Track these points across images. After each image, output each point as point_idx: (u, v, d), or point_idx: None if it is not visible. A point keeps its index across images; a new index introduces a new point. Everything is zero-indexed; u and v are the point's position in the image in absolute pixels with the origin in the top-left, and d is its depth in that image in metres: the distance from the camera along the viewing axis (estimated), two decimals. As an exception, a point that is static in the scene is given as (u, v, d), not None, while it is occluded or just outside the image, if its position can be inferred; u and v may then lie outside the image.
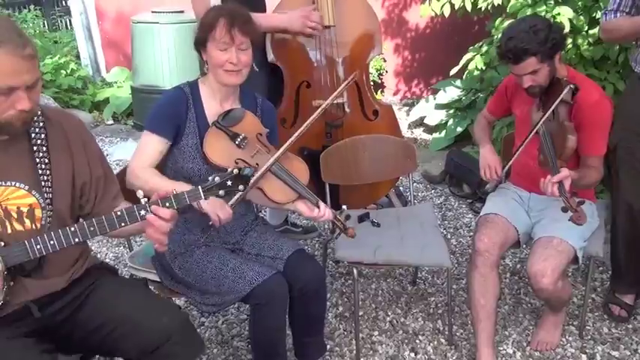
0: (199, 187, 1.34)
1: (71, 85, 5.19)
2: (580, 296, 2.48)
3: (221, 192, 1.35)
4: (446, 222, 3.24)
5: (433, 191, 3.66)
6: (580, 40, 2.98)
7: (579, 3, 2.99)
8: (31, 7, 7.08)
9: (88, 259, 1.55)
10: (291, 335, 1.96)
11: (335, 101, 2.46)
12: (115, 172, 1.68)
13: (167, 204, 1.33)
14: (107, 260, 2.83)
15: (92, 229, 1.33)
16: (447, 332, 2.27)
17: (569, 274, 2.65)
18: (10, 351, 1.31)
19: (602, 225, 2.15)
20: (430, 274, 2.71)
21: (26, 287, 1.38)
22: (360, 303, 2.48)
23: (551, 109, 1.89)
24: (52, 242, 1.32)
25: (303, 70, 2.52)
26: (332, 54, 2.50)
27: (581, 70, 2.93)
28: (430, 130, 4.59)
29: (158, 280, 1.89)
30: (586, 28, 2.99)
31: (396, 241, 2.18)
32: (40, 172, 1.38)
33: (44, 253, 1.32)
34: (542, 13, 2.89)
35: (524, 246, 2.18)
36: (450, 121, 4.31)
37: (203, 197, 1.34)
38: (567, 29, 2.82)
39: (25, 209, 1.37)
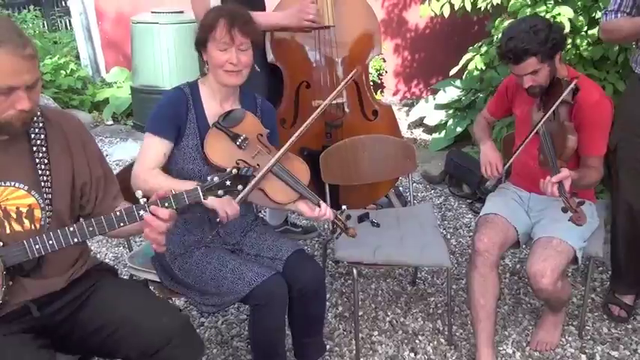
0: (198, 187, 1.34)
1: (71, 85, 5.20)
2: (580, 296, 2.48)
3: (220, 192, 1.35)
4: (445, 222, 3.24)
5: (433, 191, 3.66)
6: (579, 41, 2.98)
7: (579, 3, 2.99)
8: (31, 7, 7.09)
9: (87, 260, 1.55)
10: (290, 335, 1.96)
11: (335, 101, 2.47)
12: (115, 172, 1.68)
13: (166, 204, 1.33)
14: (107, 260, 2.83)
15: (91, 229, 1.33)
16: (446, 332, 2.27)
17: (569, 274, 2.65)
18: (8, 346, 1.31)
19: (601, 225, 2.15)
20: (430, 274, 2.71)
21: (25, 287, 1.38)
22: (360, 303, 2.48)
23: (551, 110, 1.89)
24: (50, 242, 1.32)
25: (302, 71, 2.52)
26: (331, 54, 2.50)
27: (581, 70, 2.93)
28: (430, 130, 4.59)
29: (158, 280, 1.89)
30: (585, 28, 2.99)
31: (395, 242, 2.18)
32: (39, 172, 1.38)
33: (43, 253, 1.33)
34: (542, 13, 2.89)
35: (523, 246, 2.18)
36: (450, 122, 4.31)
37: (202, 197, 1.34)
38: (567, 29, 2.82)
39: (24, 209, 1.37)
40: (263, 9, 2.50)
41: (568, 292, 2.12)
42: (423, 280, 2.67)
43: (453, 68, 3.76)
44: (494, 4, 3.37)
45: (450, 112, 4.39)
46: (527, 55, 1.86)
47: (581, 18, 2.95)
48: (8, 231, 1.36)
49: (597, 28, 2.92)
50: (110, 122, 5.12)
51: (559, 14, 2.88)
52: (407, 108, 5.20)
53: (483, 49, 3.53)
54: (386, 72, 5.48)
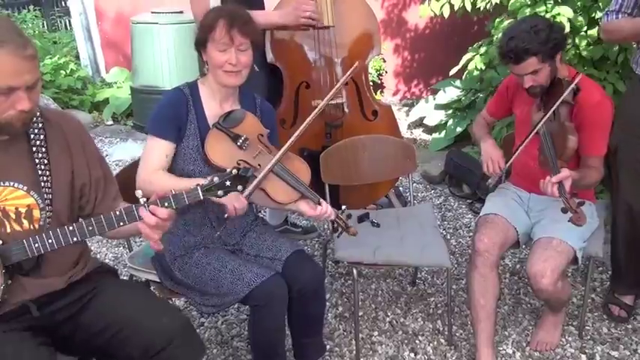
0: (198, 186, 1.34)
1: (71, 85, 5.19)
2: (580, 296, 2.48)
3: (220, 192, 1.35)
4: (445, 222, 3.24)
5: (433, 191, 3.66)
6: (578, 40, 2.98)
7: (578, 3, 2.99)
8: (31, 7, 7.08)
9: (88, 263, 1.55)
10: (290, 336, 1.96)
11: (334, 101, 2.48)
12: (115, 172, 1.68)
13: (166, 204, 1.33)
14: (107, 261, 2.83)
15: (91, 228, 1.33)
16: (446, 332, 2.27)
17: (569, 274, 2.65)
18: (7, 343, 1.31)
19: (601, 225, 2.15)
20: (430, 274, 2.71)
21: (24, 286, 1.38)
22: (360, 303, 2.48)
23: (552, 110, 1.89)
24: (50, 241, 1.32)
25: (302, 71, 2.52)
26: (331, 54, 2.49)
27: (581, 70, 2.93)
28: (430, 130, 4.59)
29: (158, 280, 1.89)
30: (585, 28, 2.99)
31: (395, 242, 2.18)
32: (39, 172, 1.38)
33: (42, 251, 1.33)
34: (542, 13, 2.89)
35: (523, 246, 2.18)
36: (450, 122, 4.31)
37: (202, 197, 1.34)
38: (567, 29, 2.82)
39: (23, 210, 1.37)
40: (262, 9, 2.50)
41: (568, 292, 2.12)
42: (423, 281, 2.67)
43: (452, 68, 3.76)
44: (494, 3, 3.37)
45: (450, 112, 4.39)
46: (528, 55, 1.85)
47: (580, 18, 2.95)
48: (9, 230, 1.36)
49: (597, 28, 2.93)
50: (110, 122, 5.12)
51: (558, 14, 2.89)
52: (407, 108, 5.20)
53: (483, 49, 3.53)
54: (386, 72, 5.48)
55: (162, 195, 1.33)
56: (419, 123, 4.73)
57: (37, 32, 6.40)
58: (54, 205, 1.40)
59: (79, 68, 5.58)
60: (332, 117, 2.53)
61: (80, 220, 1.38)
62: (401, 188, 3.33)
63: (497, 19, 3.41)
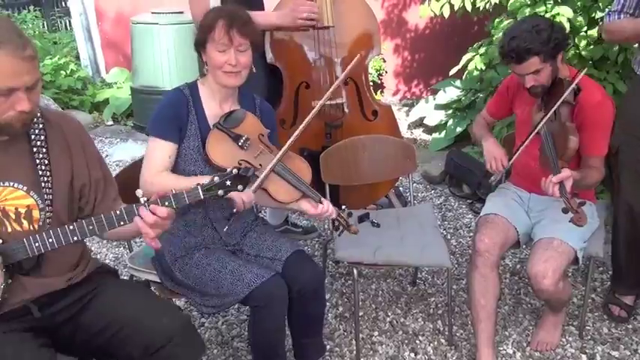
0: (198, 186, 1.34)
1: (71, 85, 5.19)
2: (580, 296, 2.48)
3: (220, 192, 1.35)
4: (446, 222, 3.23)
5: (433, 192, 3.66)
6: (577, 40, 2.97)
7: (578, 3, 2.99)
8: (31, 7, 7.09)
9: (89, 264, 1.55)
10: (290, 336, 1.96)
11: (334, 101, 2.48)
12: (115, 172, 1.68)
13: (166, 203, 1.33)
14: (107, 261, 2.83)
15: (91, 227, 1.33)
16: (447, 332, 2.27)
17: (569, 274, 2.65)
18: (7, 344, 1.31)
19: (601, 225, 2.15)
20: (430, 274, 2.71)
21: (24, 286, 1.38)
22: (360, 303, 2.48)
23: (553, 110, 1.89)
24: (50, 240, 1.32)
25: (302, 71, 2.52)
26: (331, 54, 2.49)
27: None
28: (430, 130, 4.59)
29: (158, 281, 1.89)
30: (585, 28, 2.99)
31: (395, 242, 2.18)
32: (39, 173, 1.38)
33: (43, 251, 1.33)
34: (542, 13, 2.89)
35: (523, 246, 2.18)
36: (450, 122, 4.31)
37: (202, 197, 1.34)
38: (567, 29, 2.82)
39: (22, 210, 1.37)
40: (261, 9, 2.50)
41: (568, 292, 2.12)
42: (423, 281, 2.67)
43: (452, 68, 3.76)
44: (493, 3, 3.37)
45: (450, 112, 4.39)
46: (530, 55, 1.85)
47: (580, 18, 2.95)
48: (9, 230, 1.36)
49: (597, 28, 2.93)
50: (110, 123, 5.12)
51: (558, 14, 2.89)
52: (407, 108, 5.20)
53: (483, 50, 3.53)
54: (386, 72, 5.48)
55: (162, 194, 1.33)
56: (419, 123, 4.73)
57: (37, 33, 6.41)
58: (54, 205, 1.40)
59: (79, 68, 5.59)
60: (332, 117, 2.53)
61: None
62: (401, 188, 3.33)
63: (497, 19, 3.41)
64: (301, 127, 1.85)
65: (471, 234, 2.57)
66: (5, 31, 1.22)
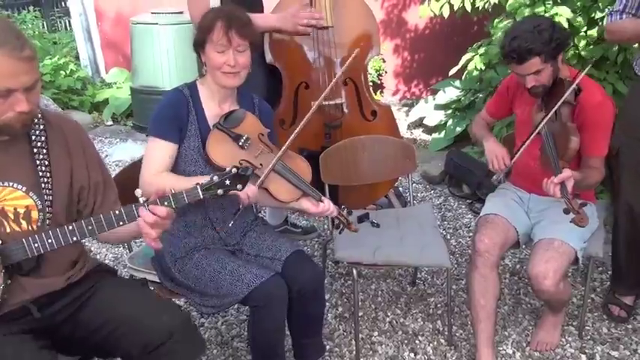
0: (197, 186, 1.34)
1: (70, 85, 5.19)
2: (579, 296, 2.48)
3: (219, 191, 1.35)
4: (445, 222, 3.23)
5: (432, 192, 3.66)
6: (576, 40, 2.97)
7: (578, 3, 2.98)
8: (31, 8, 7.09)
9: (87, 263, 1.54)
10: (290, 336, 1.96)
11: (333, 102, 2.48)
12: (115, 172, 1.68)
13: (165, 203, 1.33)
14: (106, 261, 2.83)
15: (90, 227, 1.33)
16: (446, 333, 2.27)
17: (569, 274, 2.65)
18: (8, 345, 1.31)
19: (601, 225, 2.15)
20: (430, 274, 2.71)
21: (24, 286, 1.38)
22: (360, 304, 2.48)
23: (553, 110, 1.88)
24: (50, 241, 1.32)
25: (301, 71, 2.52)
26: (330, 55, 2.49)
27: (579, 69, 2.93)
28: (429, 130, 4.59)
29: (158, 281, 1.89)
30: (585, 28, 2.99)
31: (395, 242, 2.18)
32: (40, 174, 1.38)
33: (42, 251, 1.32)
34: (541, 14, 2.89)
35: (523, 246, 2.18)
36: (450, 122, 4.31)
37: (201, 196, 1.34)
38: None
39: (21, 210, 1.37)
40: (261, 10, 2.50)
41: (568, 292, 2.12)
42: (422, 281, 2.67)
43: (452, 68, 3.76)
44: (492, 3, 3.37)
45: (450, 112, 4.39)
46: (531, 55, 1.85)
47: (579, 18, 2.95)
48: (8, 230, 1.36)
49: (597, 28, 2.93)
50: (110, 123, 5.12)
51: (556, 14, 2.88)
52: (407, 108, 5.20)
53: (482, 50, 3.53)
54: (385, 72, 5.48)
55: (161, 194, 1.33)
56: (419, 123, 4.73)
57: (37, 33, 6.40)
58: (54, 207, 1.40)
59: (78, 69, 5.58)
60: (331, 117, 2.53)
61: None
62: (401, 188, 3.33)
63: (497, 20, 3.41)
64: (302, 123, 1.85)
65: (471, 234, 2.58)
66: (2, 32, 1.21)
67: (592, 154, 1.96)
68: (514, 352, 2.18)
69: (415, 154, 2.50)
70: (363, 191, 2.63)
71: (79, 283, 1.49)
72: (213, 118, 1.80)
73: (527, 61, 1.86)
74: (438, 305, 2.48)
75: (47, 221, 1.39)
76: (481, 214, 2.13)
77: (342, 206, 1.89)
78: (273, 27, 2.34)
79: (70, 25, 6.70)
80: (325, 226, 3.00)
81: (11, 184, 1.36)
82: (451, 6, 3.62)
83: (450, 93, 4.40)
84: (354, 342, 2.19)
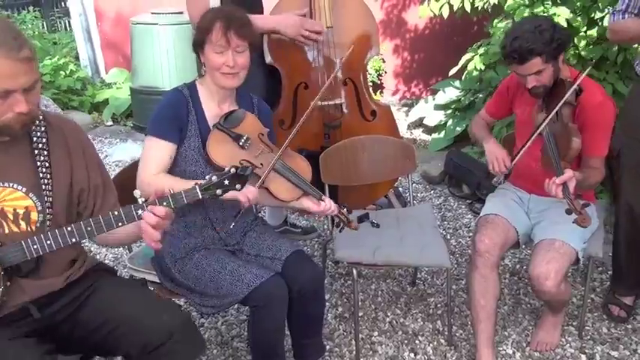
0: (196, 185, 1.34)
1: (70, 86, 5.19)
2: (579, 296, 2.48)
3: (218, 191, 1.36)
4: (445, 222, 3.23)
5: (432, 192, 3.66)
6: (576, 40, 2.97)
7: (577, 3, 2.98)
8: (30, 8, 7.09)
9: (86, 262, 1.54)
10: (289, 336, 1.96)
11: (333, 102, 2.48)
12: (115, 173, 1.67)
13: (164, 203, 1.32)
14: (106, 261, 2.82)
15: (89, 229, 1.33)
16: (446, 333, 2.27)
17: (569, 274, 2.65)
18: (11, 351, 1.31)
19: (601, 225, 2.15)
20: (430, 274, 2.71)
21: (23, 288, 1.38)
22: (360, 304, 2.48)
23: (555, 110, 1.88)
24: (49, 242, 1.32)
25: (300, 72, 2.51)
26: (329, 55, 2.49)
27: (579, 69, 2.93)
28: (429, 130, 4.59)
29: (158, 281, 1.89)
30: (584, 28, 2.99)
31: (395, 242, 2.18)
32: (40, 175, 1.38)
33: (41, 253, 1.32)
34: (540, 14, 2.89)
35: (523, 246, 2.18)
36: (449, 122, 4.31)
37: (200, 196, 1.34)
38: (565, 30, 2.82)
39: (21, 211, 1.37)
40: (261, 10, 2.50)
41: (569, 292, 2.11)
42: (422, 281, 2.67)
43: (452, 69, 3.76)
44: (492, 3, 3.37)
45: (450, 112, 4.39)
46: (532, 55, 1.84)
47: (579, 19, 2.95)
48: (7, 231, 1.36)
49: (596, 28, 2.93)
50: (110, 123, 5.12)
51: (555, 14, 2.88)
52: (406, 108, 5.20)
53: (482, 50, 3.53)
54: (385, 72, 5.48)
55: (160, 194, 1.33)
56: (418, 123, 4.73)
57: (36, 33, 6.40)
58: (54, 208, 1.40)
59: (78, 69, 5.58)
60: (331, 117, 2.52)
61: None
62: (400, 188, 3.33)
63: (496, 20, 3.41)
64: (301, 120, 1.85)
65: (471, 234, 2.58)
66: (1, 32, 1.21)
67: (592, 155, 1.96)
68: (514, 352, 2.18)
69: (415, 154, 2.50)
70: (363, 191, 2.63)
71: (78, 282, 1.49)
72: (212, 119, 1.80)
73: (529, 62, 1.86)
74: (438, 305, 2.48)
75: (47, 222, 1.39)
76: (481, 215, 2.13)
77: (342, 205, 1.89)
78: (273, 29, 2.33)
79: (69, 26, 6.70)
80: (325, 226, 3.00)
81: (11, 184, 1.36)
82: (451, 6, 3.62)
83: (450, 93, 4.40)
84: (354, 342, 2.19)
